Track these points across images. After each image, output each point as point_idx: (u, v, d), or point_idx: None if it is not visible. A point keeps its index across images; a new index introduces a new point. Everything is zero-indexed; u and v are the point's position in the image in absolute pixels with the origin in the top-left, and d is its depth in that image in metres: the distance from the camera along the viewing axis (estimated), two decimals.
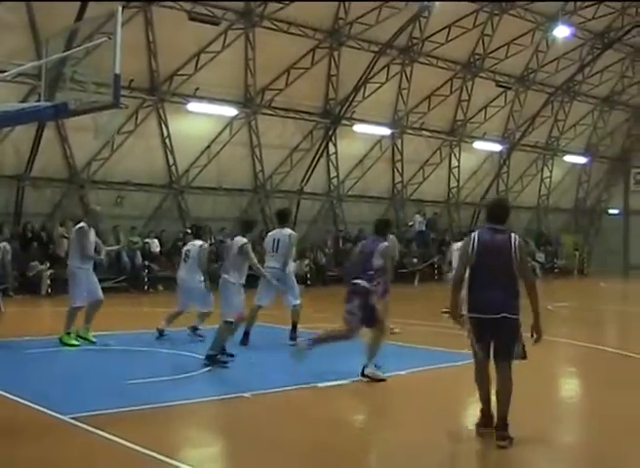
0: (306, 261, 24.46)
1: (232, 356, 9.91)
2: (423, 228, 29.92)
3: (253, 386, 8.41)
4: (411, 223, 30.10)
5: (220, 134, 24.58)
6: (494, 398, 6.63)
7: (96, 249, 11.42)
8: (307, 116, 26.11)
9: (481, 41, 27.61)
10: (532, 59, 29.62)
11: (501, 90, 30.22)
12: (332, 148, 27.36)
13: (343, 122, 26.76)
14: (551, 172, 34.95)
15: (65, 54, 9.21)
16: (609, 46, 29.72)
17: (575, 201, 37.28)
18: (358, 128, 27.26)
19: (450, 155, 30.95)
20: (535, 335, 6.57)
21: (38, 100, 9.16)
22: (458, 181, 31.54)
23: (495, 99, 30.35)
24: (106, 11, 7.88)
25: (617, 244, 37.01)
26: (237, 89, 24.22)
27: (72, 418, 6.84)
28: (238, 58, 23.55)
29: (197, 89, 23.07)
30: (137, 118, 22.59)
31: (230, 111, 24.21)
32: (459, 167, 31.19)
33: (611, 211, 38.06)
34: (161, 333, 11.89)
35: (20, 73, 14.82)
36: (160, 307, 16.08)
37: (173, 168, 24.14)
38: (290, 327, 11.73)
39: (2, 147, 20.64)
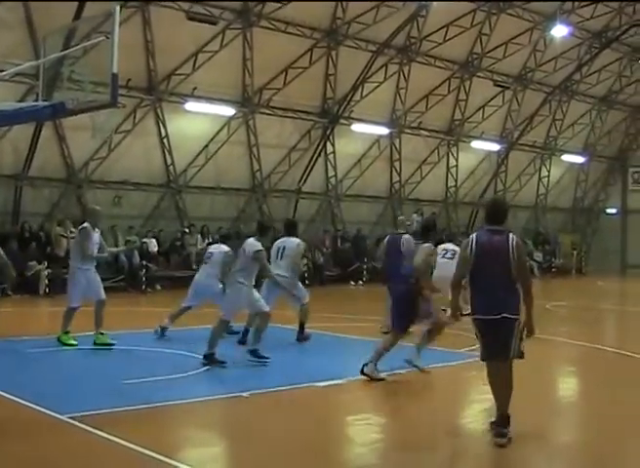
0: (304, 261, 24.41)
1: (268, 358, 9.73)
2: None
3: (251, 386, 8.40)
4: (409, 223, 30.07)
5: (217, 133, 24.55)
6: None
7: (100, 250, 11.36)
8: (305, 115, 26.10)
9: (479, 40, 27.59)
10: (529, 59, 29.60)
11: (499, 89, 30.20)
12: (330, 148, 27.34)
13: (341, 121, 26.75)
14: (549, 171, 34.96)
15: (63, 53, 9.22)
16: (607, 45, 29.72)
17: (573, 200, 37.29)
18: (356, 127, 27.25)
19: (448, 154, 30.92)
20: (527, 332, 6.65)
21: (36, 100, 9.15)
22: (455, 181, 31.52)
23: (492, 99, 30.33)
24: (104, 10, 7.89)
25: (614, 243, 37.01)
26: (235, 88, 24.19)
27: (70, 418, 6.83)
28: (236, 58, 23.53)
29: (195, 88, 23.05)
30: (134, 117, 22.56)
31: (228, 111, 24.19)
32: (457, 166, 31.16)
33: (609, 210, 38.04)
34: (163, 332, 11.88)
35: (18, 73, 14.80)
36: (158, 307, 16.08)
37: (170, 167, 24.12)
38: (297, 327, 11.80)
39: (0, 147, 20.63)
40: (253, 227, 24.99)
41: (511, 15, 26.47)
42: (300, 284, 12.07)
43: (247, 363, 9.81)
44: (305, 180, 27.08)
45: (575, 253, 35.35)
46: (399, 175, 29.60)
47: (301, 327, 11.92)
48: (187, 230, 23.82)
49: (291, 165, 26.63)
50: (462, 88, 29.20)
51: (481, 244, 6.67)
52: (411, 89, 27.57)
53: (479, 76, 29.04)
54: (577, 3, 26.76)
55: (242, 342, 11.16)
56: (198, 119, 24.04)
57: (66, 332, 11.05)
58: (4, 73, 12.61)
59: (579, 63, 30.60)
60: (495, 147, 31.97)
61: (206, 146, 24.41)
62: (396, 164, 29.38)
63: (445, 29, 25.96)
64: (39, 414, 7.09)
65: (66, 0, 17.96)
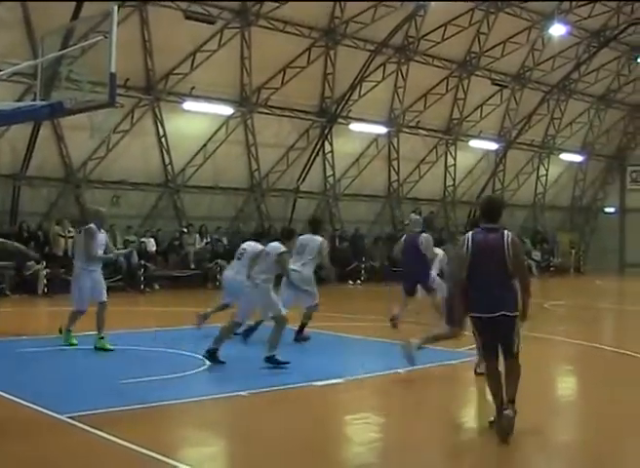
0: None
1: (287, 363, 9.61)
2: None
3: (250, 385, 8.41)
4: (407, 222, 30.04)
5: (215, 132, 24.55)
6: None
7: (105, 251, 11.31)
8: (303, 115, 26.10)
9: (477, 39, 27.61)
10: (528, 58, 29.63)
11: (497, 88, 30.21)
12: (328, 147, 27.36)
13: (339, 121, 26.74)
14: (547, 170, 34.98)
15: (61, 53, 9.20)
16: (605, 44, 29.73)
17: (571, 199, 37.31)
18: (354, 126, 27.25)
19: (446, 153, 30.94)
20: (520, 317, 6.72)
21: (34, 99, 9.12)
22: (454, 180, 31.54)
23: (491, 98, 30.35)
24: (102, 10, 7.88)
25: (613, 242, 37.04)
26: (233, 88, 24.19)
27: (69, 418, 6.83)
28: (234, 57, 23.53)
29: (193, 88, 23.04)
30: (132, 117, 22.56)
31: (226, 110, 24.19)
32: (455, 165, 31.18)
33: (607, 209, 38.08)
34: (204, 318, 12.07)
35: (16, 72, 14.81)
36: (156, 306, 16.10)
37: (169, 167, 24.11)
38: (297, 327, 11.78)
39: None
40: (251, 227, 25.32)
41: (509, 14, 26.49)
42: (314, 282, 12.07)
43: (246, 362, 9.81)
44: (304, 180, 27.08)
45: (573, 251, 35.39)
46: (397, 174, 29.62)
47: (302, 327, 11.91)
48: (186, 230, 23.82)
49: (289, 164, 26.63)
50: (460, 87, 29.21)
51: (477, 242, 6.72)
52: (409, 88, 27.59)
53: (477, 75, 29.05)
54: (574, 2, 26.79)
55: (245, 335, 11.16)
56: (196, 118, 24.03)
57: (69, 331, 11.07)
58: (2, 73, 12.58)
59: (577, 62, 30.61)
60: (493, 146, 31.98)
61: (204, 146, 24.41)
62: (394, 163, 29.39)
63: (443, 28, 25.98)
64: (38, 414, 7.08)
65: (64, 0, 17.96)
